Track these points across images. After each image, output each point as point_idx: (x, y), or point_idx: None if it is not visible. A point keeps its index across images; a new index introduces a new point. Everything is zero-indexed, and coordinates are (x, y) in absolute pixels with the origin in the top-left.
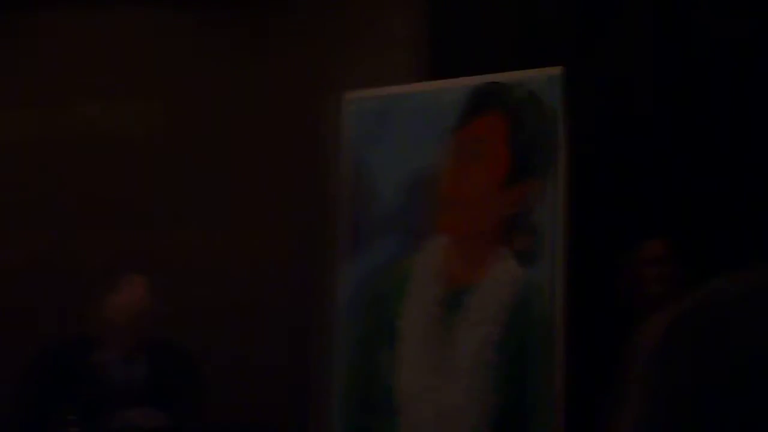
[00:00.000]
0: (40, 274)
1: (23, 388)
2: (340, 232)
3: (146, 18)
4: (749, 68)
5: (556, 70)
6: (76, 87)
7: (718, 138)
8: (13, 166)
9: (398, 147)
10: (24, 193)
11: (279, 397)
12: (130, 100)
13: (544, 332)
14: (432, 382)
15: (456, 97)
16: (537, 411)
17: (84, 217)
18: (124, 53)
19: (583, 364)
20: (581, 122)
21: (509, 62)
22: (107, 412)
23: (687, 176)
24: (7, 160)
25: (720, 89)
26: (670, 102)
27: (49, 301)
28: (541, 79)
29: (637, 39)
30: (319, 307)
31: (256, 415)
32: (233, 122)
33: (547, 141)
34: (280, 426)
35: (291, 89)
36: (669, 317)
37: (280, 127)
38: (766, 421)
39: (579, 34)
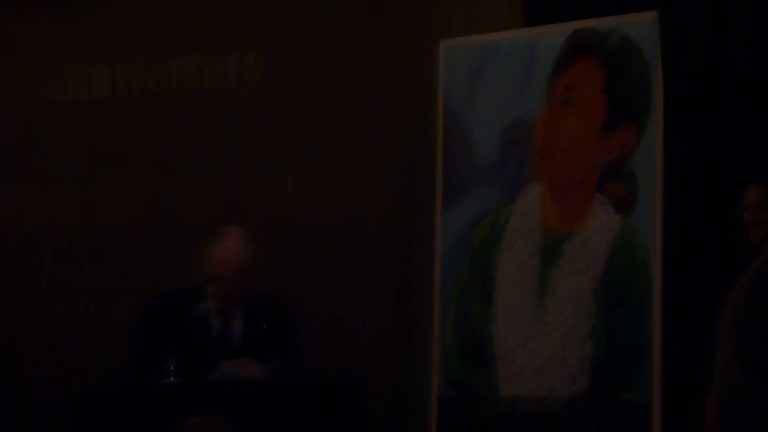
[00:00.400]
0: (139, 228)
1: (129, 340)
2: (439, 182)
3: None
4: None
5: (651, 15)
6: (172, 41)
7: None
8: (109, 123)
9: (495, 95)
10: (121, 147)
11: (376, 349)
12: (228, 53)
13: (642, 280)
14: (529, 331)
15: (552, 45)
16: (635, 359)
17: (180, 171)
18: (226, 6)
19: (681, 311)
20: (678, 67)
21: (604, 8)
22: (207, 362)
23: None
24: (102, 115)
25: None
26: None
27: (149, 255)
28: (637, 24)
29: None
30: (418, 258)
31: (353, 367)
32: (331, 73)
33: (644, 87)
34: (377, 378)
35: (389, 38)
36: (756, 264)
37: (379, 76)
38: None
39: None
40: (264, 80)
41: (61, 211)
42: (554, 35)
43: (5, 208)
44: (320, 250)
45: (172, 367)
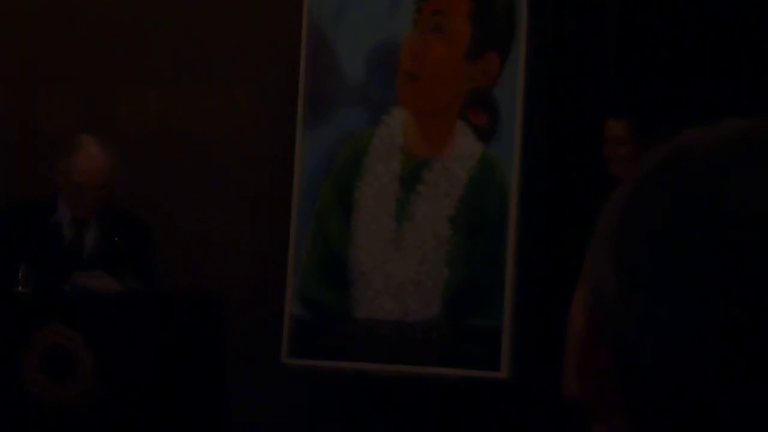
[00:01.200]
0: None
1: None
2: (301, 100)
3: None
4: None
5: None
6: None
7: (685, 15)
8: None
9: (362, 17)
10: None
11: (234, 266)
12: None
13: (499, 209)
14: (386, 255)
15: None
16: (488, 286)
17: (38, 80)
18: None
19: (536, 240)
20: None
21: None
22: (59, 273)
23: (651, 55)
24: None
25: None
26: None
27: (6, 164)
28: None
29: None
30: (280, 176)
31: (210, 283)
32: None
33: (509, 16)
34: (233, 295)
35: None
36: (635, 174)
37: None
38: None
39: None
40: None
41: None
42: None
43: None
44: (182, 165)
45: (21, 276)
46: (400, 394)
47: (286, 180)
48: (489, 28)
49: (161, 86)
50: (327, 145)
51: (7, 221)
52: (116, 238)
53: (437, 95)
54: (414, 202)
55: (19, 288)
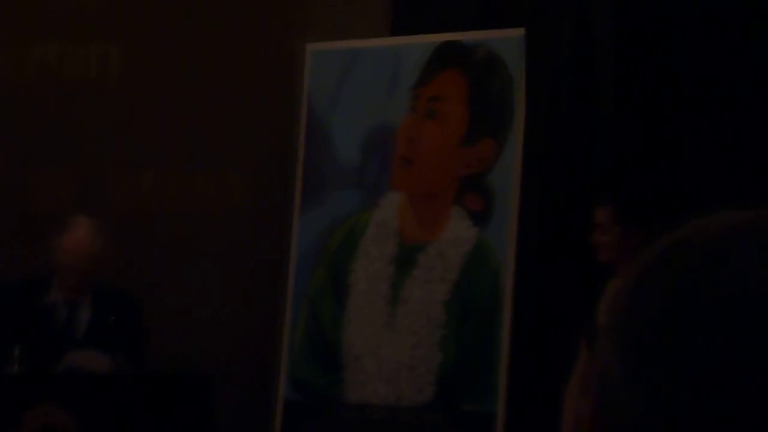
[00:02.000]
0: None
1: None
2: (298, 183)
3: None
4: (712, 33)
5: (518, 32)
6: (33, 27)
7: (677, 105)
8: None
9: (359, 101)
10: None
11: (225, 347)
12: (90, 42)
13: (493, 293)
14: (380, 339)
15: (418, 55)
16: (482, 371)
17: (36, 160)
18: None
19: (531, 325)
20: (541, 86)
21: (472, 22)
22: (52, 353)
23: (643, 144)
24: None
25: (682, 53)
26: (631, 67)
27: (3, 244)
28: (504, 40)
29: (599, 2)
30: (273, 259)
31: (201, 363)
32: (194, 69)
33: (506, 103)
34: (224, 375)
35: (255, 37)
36: (639, 263)
37: (243, 75)
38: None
39: None
40: (125, 72)
41: None
42: (421, 46)
43: None
44: (175, 245)
45: (16, 356)
46: None
47: (280, 262)
48: (485, 115)
49: (155, 168)
50: (321, 228)
51: (4, 301)
52: (111, 318)
53: (432, 180)
54: (408, 286)
55: (15, 368)
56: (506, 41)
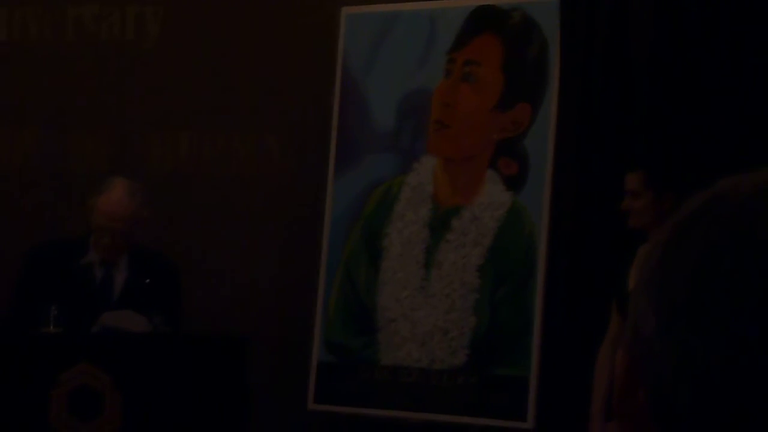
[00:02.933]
0: (27, 176)
1: (13, 287)
2: (333, 147)
3: None
4: (745, 5)
5: None
6: None
7: (712, 69)
8: (1, 67)
9: (394, 66)
10: (12, 93)
11: (261, 308)
12: (127, 4)
13: (527, 258)
14: (414, 303)
15: (453, 19)
16: (516, 335)
17: (73, 122)
18: None
19: (564, 290)
20: (576, 51)
21: None
22: (88, 313)
23: (677, 111)
24: None
25: (716, 27)
26: (666, 36)
27: (36, 204)
28: (539, 4)
29: None
30: (308, 222)
31: (236, 325)
32: (231, 32)
33: (542, 67)
34: (259, 337)
35: (290, 1)
36: (674, 219)
37: (280, 38)
38: None
39: None
40: (162, 34)
41: None
42: (456, 10)
43: None
44: (211, 207)
45: (52, 316)
46: None
47: (315, 225)
48: (520, 79)
49: (192, 130)
50: (356, 192)
51: (40, 262)
52: (147, 279)
53: (467, 144)
54: (443, 250)
55: (51, 328)
56: (541, 5)
